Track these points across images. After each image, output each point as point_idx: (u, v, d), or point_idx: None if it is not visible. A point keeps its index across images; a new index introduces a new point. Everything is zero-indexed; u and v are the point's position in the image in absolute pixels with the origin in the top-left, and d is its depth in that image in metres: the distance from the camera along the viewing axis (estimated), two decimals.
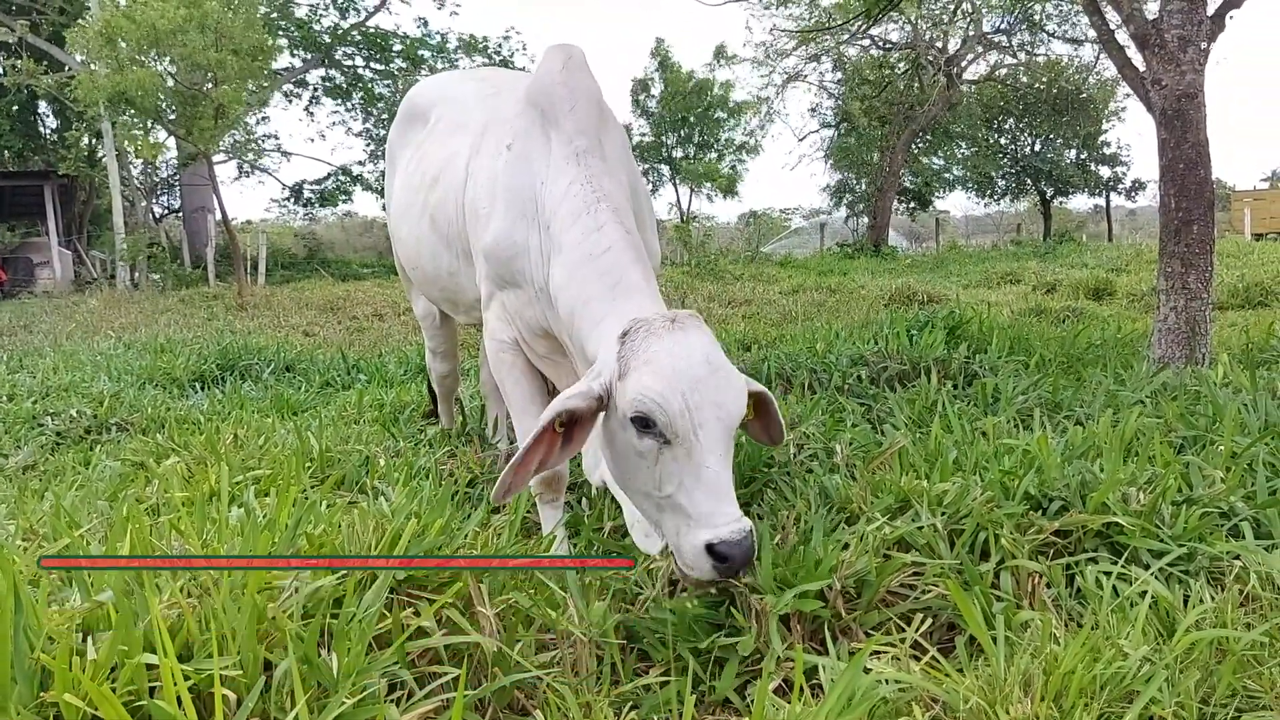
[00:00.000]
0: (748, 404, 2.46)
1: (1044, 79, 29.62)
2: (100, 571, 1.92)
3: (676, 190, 31.33)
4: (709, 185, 30.61)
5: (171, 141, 21.31)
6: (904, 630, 2.23)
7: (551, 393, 3.44)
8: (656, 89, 30.48)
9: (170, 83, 15.48)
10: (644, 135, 31.01)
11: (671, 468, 2.31)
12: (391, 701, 1.84)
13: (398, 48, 27.69)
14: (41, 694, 1.61)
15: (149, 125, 16.89)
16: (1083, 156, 32.00)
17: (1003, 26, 27.95)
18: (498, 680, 2.02)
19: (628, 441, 2.37)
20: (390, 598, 2.04)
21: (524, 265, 2.98)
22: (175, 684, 1.57)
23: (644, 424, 2.31)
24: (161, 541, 2.17)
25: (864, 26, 17.24)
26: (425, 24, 28.82)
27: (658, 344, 2.35)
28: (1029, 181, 32.52)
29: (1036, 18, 26.80)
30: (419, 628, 1.98)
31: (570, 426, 2.44)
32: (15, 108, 25.85)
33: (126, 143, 18.28)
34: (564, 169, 2.90)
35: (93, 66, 15.58)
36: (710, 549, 2.22)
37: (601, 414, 2.46)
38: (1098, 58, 27.78)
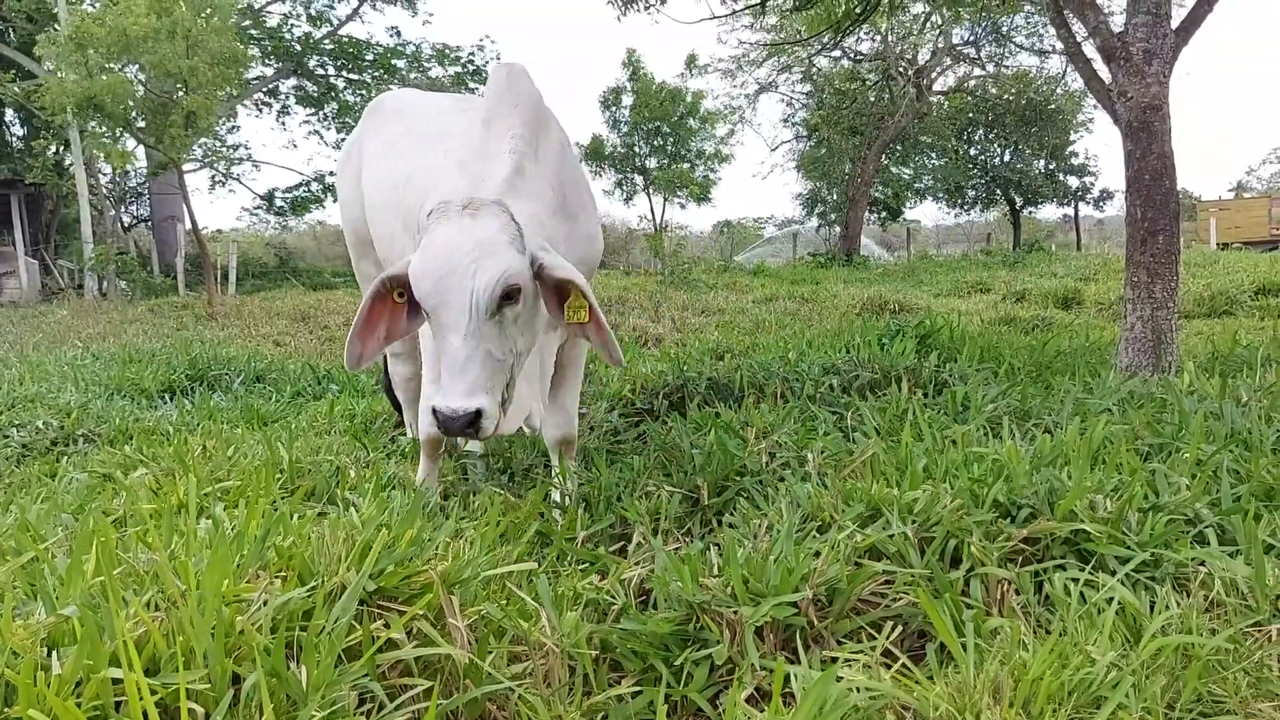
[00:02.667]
0: (537, 291, 2.74)
1: (1012, 90, 29.97)
2: (65, 586, 1.90)
3: (650, 199, 31.38)
4: (682, 194, 30.67)
5: (141, 150, 21.14)
6: (875, 638, 2.24)
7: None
8: (628, 99, 30.52)
9: (140, 90, 15.35)
10: (615, 145, 31.02)
11: (433, 339, 2.66)
12: (361, 714, 1.83)
13: (370, 57, 27.59)
14: (5, 710, 1.59)
15: (118, 134, 16.74)
16: (1051, 167, 32.38)
17: (971, 39, 28.26)
18: (469, 692, 2.01)
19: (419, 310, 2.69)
20: (360, 609, 2.02)
21: None
22: (141, 698, 1.56)
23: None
24: (128, 554, 2.15)
25: (832, 41, 17.36)
26: (398, 33, 28.76)
27: (439, 228, 2.60)
28: (998, 191, 32.88)
29: (1004, 30, 27.11)
30: (389, 640, 1.97)
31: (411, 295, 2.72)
32: None
33: (96, 151, 18.11)
34: (497, 142, 3.17)
35: (60, 73, 15.42)
36: (434, 411, 2.55)
37: None
38: (1065, 70, 28.14)
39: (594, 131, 32.15)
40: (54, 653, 1.69)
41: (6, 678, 1.60)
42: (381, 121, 4.24)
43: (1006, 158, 32.41)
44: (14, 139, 28.02)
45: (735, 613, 2.26)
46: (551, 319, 3.31)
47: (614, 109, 30.85)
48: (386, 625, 2.00)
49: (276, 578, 2.05)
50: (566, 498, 3.46)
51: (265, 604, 1.90)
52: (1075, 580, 2.39)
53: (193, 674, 1.68)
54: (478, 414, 2.50)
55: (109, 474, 4.00)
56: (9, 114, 27.01)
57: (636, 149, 30.83)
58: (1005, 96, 30.21)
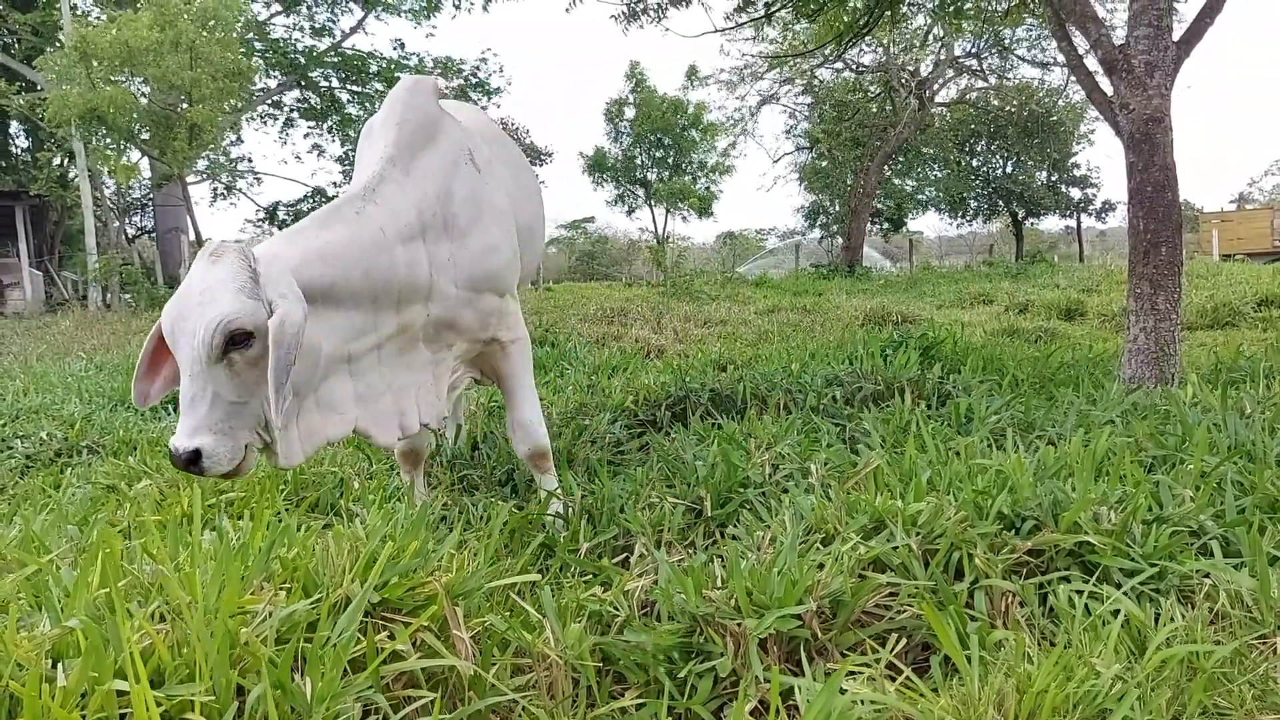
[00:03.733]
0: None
1: (1014, 102, 30.01)
2: (70, 598, 1.90)
3: (652, 211, 31.41)
4: (683, 206, 30.70)
5: (145, 162, 21.21)
6: (879, 650, 2.24)
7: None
8: (630, 111, 30.57)
9: (144, 101, 15.40)
10: (618, 157, 31.06)
11: None
12: None
13: (374, 69, 27.67)
14: None
15: (122, 146, 16.79)
16: (1053, 178, 32.40)
17: (973, 51, 28.33)
18: (473, 704, 2.01)
19: None
20: (365, 621, 2.02)
21: None
22: (147, 710, 1.56)
23: None
24: (133, 566, 2.15)
25: (835, 54, 17.42)
26: (402, 46, 28.82)
27: (190, 272, 2.69)
28: (1001, 203, 32.88)
29: (1007, 42, 27.18)
30: (394, 651, 1.97)
31: None
32: None
33: (101, 163, 18.18)
34: (369, 166, 3.24)
35: (64, 86, 15.48)
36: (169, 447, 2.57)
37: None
38: (1067, 82, 28.19)
39: (596, 143, 32.22)
40: (59, 665, 1.70)
41: (11, 690, 1.60)
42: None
43: (1009, 169, 32.45)
44: (18, 151, 28.12)
45: (739, 625, 2.25)
46: (447, 335, 3.35)
47: (616, 121, 30.90)
48: (391, 637, 2.00)
49: (281, 589, 2.05)
50: (570, 509, 3.46)
51: (270, 616, 1.90)
52: (1080, 592, 2.38)
53: (198, 685, 1.68)
54: (197, 453, 2.54)
55: (113, 485, 4.00)
56: (14, 126, 27.12)
57: (639, 160, 30.87)
58: (1007, 108, 30.26)
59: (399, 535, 2.41)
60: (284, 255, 2.78)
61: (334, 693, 1.77)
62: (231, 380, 2.61)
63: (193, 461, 2.53)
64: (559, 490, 3.59)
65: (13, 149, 28.02)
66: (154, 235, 27.92)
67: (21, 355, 11.29)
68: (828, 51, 16.07)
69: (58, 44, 17.71)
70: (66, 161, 24.07)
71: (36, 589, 2.09)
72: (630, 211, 31.94)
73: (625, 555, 3.06)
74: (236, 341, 2.57)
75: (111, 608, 1.83)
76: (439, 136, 3.40)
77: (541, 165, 29.52)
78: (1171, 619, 2.24)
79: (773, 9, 10.30)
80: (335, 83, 28.09)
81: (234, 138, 27.09)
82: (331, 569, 2.15)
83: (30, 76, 22.11)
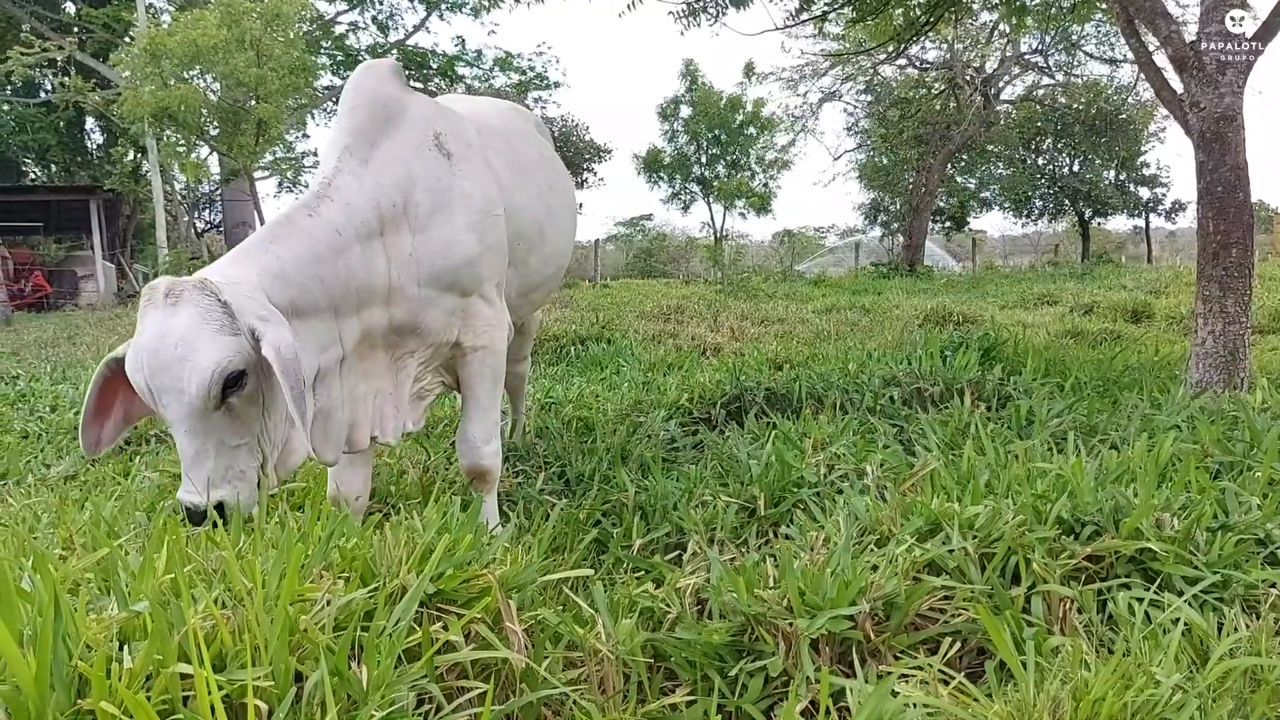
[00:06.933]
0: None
1: (1082, 100, 29.40)
2: (137, 582, 1.96)
3: (709, 209, 31.32)
4: (741, 203, 30.57)
5: (214, 158, 21.68)
6: (933, 654, 2.22)
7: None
8: (685, 110, 30.48)
9: (213, 98, 15.76)
10: (673, 155, 31.02)
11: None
12: (419, 715, 1.86)
13: (435, 65, 28.00)
14: (79, 701, 1.64)
15: (192, 142, 17.20)
16: (1121, 177, 31.68)
17: (1039, 47, 27.82)
18: (525, 696, 2.03)
19: None
20: (420, 612, 2.05)
21: None
22: (210, 694, 1.60)
23: None
24: (198, 553, 2.20)
25: (896, 51, 17.21)
26: (463, 42, 29.13)
27: (142, 319, 2.49)
28: (1067, 202, 32.24)
29: (1074, 39, 26.63)
30: (448, 642, 1.99)
31: None
32: (63, 124, 26.43)
33: (171, 159, 18.65)
34: (328, 161, 3.09)
35: (137, 83, 15.89)
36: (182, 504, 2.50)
37: None
38: (1136, 79, 27.54)
39: (651, 142, 32.18)
40: (126, 646, 1.74)
41: (80, 670, 1.65)
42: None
43: (1075, 168, 31.81)
44: (93, 146, 28.91)
45: (791, 625, 2.25)
46: (409, 340, 3.14)
47: (672, 119, 30.84)
48: (445, 628, 2.03)
49: (340, 579, 2.09)
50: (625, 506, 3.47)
51: (328, 604, 1.94)
52: (1140, 600, 2.34)
53: (258, 670, 1.72)
54: (220, 506, 2.47)
55: (179, 473, 4.09)
56: (89, 122, 27.88)
57: (694, 158, 30.77)
58: (1075, 105, 29.67)
59: (455, 528, 2.44)
60: (242, 278, 2.59)
61: (389, 681, 1.80)
62: (232, 424, 2.53)
63: (218, 512, 2.47)
64: (498, 526, 3.32)
65: (88, 144, 28.80)
66: (222, 230, 28.53)
67: (94, 346, 11.60)
68: (890, 49, 15.90)
69: (129, 39, 18.18)
70: (139, 156, 24.67)
71: (105, 572, 2.15)
72: (686, 208, 31.89)
73: (678, 552, 3.07)
74: (231, 384, 2.47)
75: (176, 592, 1.88)
76: (401, 121, 3.20)
77: (600, 162, 29.63)
78: (1235, 629, 2.19)
79: (832, 8, 10.21)
80: None
81: (301, 133, 27.60)
82: (389, 560, 2.18)
83: (104, 73, 22.72)
